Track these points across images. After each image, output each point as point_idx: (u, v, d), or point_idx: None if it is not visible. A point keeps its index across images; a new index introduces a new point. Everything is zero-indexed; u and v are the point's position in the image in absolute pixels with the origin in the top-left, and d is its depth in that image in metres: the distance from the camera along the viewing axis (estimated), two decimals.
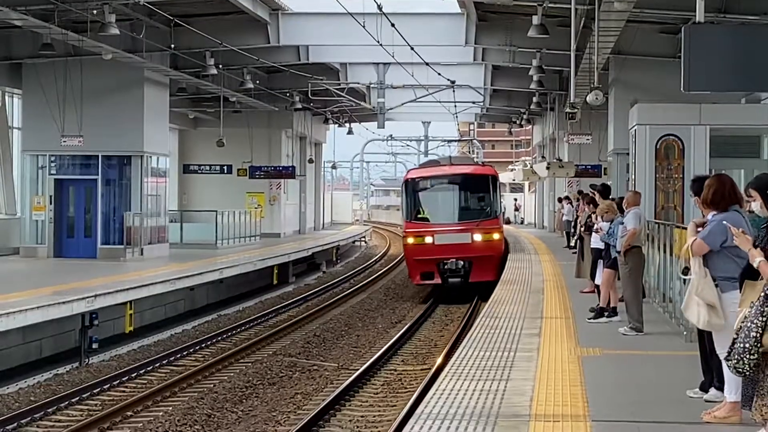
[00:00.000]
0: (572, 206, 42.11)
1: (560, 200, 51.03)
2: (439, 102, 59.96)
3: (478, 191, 42.85)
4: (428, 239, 40.35)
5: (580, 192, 41.12)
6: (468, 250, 40.14)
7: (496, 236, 40.84)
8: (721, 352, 11.56)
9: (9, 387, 23.96)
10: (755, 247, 10.34)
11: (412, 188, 42.18)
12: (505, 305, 23.66)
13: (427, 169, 44.55)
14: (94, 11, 33.07)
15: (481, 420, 11.80)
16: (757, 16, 27.90)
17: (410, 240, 41.28)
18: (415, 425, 11.60)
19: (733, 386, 11.36)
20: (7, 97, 43.42)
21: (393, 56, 41.06)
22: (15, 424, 20.25)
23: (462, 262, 40.00)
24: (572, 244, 35.30)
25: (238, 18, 40.28)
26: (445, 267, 40.19)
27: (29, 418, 20.74)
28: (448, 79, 51.19)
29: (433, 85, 53.74)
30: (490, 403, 12.71)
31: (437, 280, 40.80)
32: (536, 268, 34.16)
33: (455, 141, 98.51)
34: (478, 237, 40.13)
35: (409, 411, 18.30)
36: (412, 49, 38.92)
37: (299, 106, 59.26)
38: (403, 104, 59.47)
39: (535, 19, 31.48)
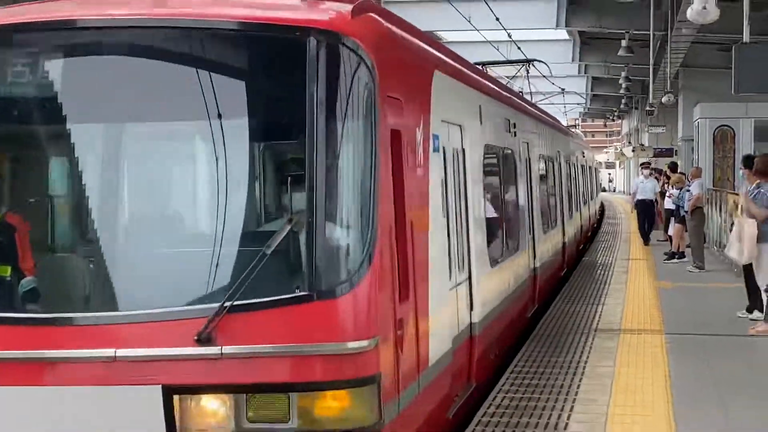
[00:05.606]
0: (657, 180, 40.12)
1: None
2: (553, 104, 59.27)
3: (271, 115, 5.62)
4: None
5: (651, 168, 40.29)
6: None
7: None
8: (761, 285, 11.36)
9: None
10: None
11: None
12: (600, 252, 23.45)
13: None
14: None
15: (584, 333, 11.74)
16: None
17: None
18: (535, 338, 11.57)
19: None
20: None
21: (519, 72, 40.28)
22: None
23: None
24: None
25: None
26: None
27: None
28: (560, 87, 50.42)
29: (547, 91, 53.12)
30: (590, 321, 12.64)
31: None
32: (625, 225, 33.62)
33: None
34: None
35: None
36: (533, 65, 38.34)
37: None
38: None
39: (624, 43, 30.97)
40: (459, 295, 7.76)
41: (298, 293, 5.20)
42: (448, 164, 7.64)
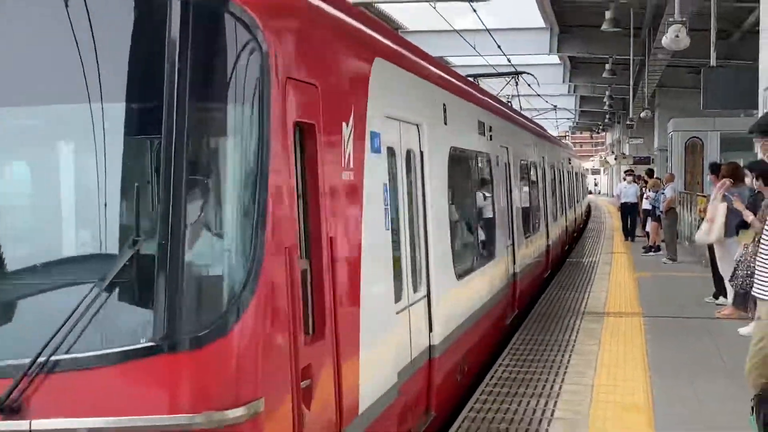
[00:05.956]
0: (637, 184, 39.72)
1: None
2: (546, 119, 59.16)
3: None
4: None
5: (634, 175, 40.23)
6: None
7: None
8: (725, 275, 11.41)
9: None
10: (747, 209, 10.15)
11: None
12: (587, 245, 23.45)
13: None
14: None
15: (573, 314, 11.81)
16: (750, 61, 27.09)
17: None
18: (531, 320, 11.65)
19: (732, 296, 11.19)
20: None
21: (508, 83, 40.03)
22: None
23: None
24: None
25: None
26: None
27: None
28: (552, 104, 50.31)
29: (541, 108, 53.03)
30: (579, 305, 12.69)
31: None
32: (608, 222, 33.58)
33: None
34: None
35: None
36: (524, 80, 38.21)
37: None
38: None
39: (607, 66, 31.13)
40: (412, 317, 5.94)
41: (142, 344, 3.29)
42: (396, 167, 5.80)
